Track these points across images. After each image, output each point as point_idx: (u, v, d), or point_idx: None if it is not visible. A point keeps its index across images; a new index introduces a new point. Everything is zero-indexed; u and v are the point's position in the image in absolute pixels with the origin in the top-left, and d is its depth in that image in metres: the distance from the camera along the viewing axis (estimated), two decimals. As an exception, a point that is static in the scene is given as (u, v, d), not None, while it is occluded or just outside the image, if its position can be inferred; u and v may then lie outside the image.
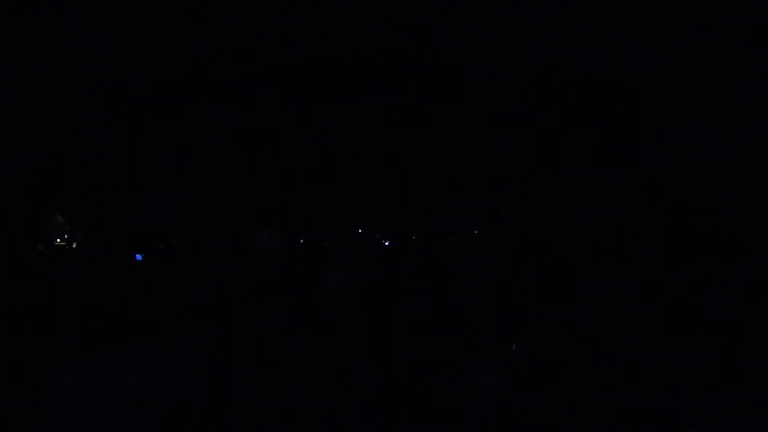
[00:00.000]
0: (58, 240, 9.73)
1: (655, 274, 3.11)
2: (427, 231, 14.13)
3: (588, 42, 7.68)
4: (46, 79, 7.99)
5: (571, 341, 2.89)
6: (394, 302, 3.34)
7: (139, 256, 5.17)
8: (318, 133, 12.67)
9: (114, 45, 8.18)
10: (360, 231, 14.16)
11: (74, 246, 9.60)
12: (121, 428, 1.81)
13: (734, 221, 5.88)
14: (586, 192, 12.40)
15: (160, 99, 10.67)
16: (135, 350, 1.98)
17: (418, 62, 10.54)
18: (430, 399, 3.01)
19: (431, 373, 3.04)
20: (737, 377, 2.56)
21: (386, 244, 10.26)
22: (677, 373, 2.61)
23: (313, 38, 9.31)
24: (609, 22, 7.01)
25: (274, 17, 8.00)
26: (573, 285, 3.09)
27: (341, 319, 3.68)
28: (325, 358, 3.42)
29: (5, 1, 5.83)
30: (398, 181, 13.87)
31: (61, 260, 5.21)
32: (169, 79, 10.20)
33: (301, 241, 12.45)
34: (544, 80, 10.38)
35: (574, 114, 12.25)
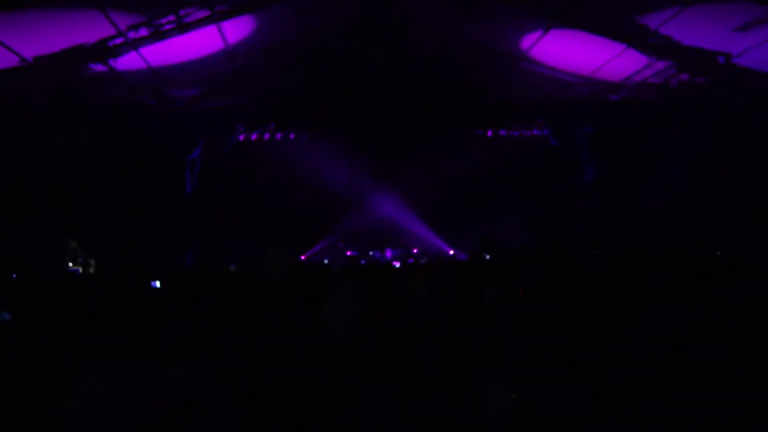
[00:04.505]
0: (71, 264, 9.81)
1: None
2: (438, 251, 14.19)
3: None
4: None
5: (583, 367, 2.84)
6: (408, 326, 3.30)
7: (155, 283, 5.14)
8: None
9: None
10: (371, 253, 14.25)
11: (89, 271, 9.68)
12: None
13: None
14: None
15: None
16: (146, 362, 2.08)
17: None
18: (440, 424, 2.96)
19: (441, 397, 2.99)
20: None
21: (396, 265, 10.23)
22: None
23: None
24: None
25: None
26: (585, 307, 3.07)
27: (346, 343, 3.65)
28: (329, 384, 3.36)
29: None
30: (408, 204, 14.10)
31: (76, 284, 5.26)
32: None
33: (309, 262, 12.51)
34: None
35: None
